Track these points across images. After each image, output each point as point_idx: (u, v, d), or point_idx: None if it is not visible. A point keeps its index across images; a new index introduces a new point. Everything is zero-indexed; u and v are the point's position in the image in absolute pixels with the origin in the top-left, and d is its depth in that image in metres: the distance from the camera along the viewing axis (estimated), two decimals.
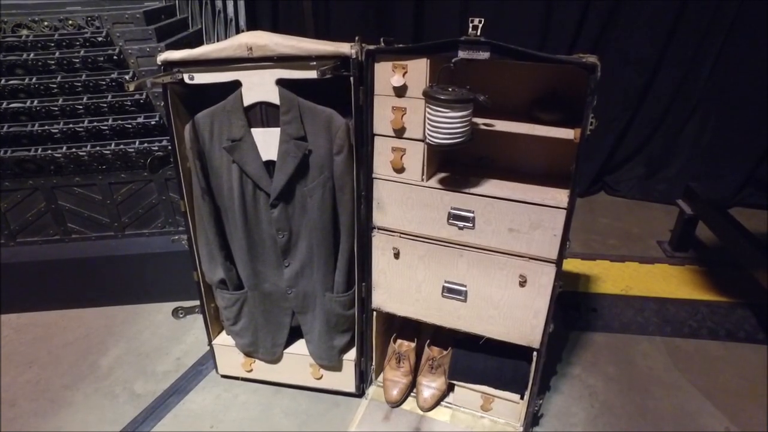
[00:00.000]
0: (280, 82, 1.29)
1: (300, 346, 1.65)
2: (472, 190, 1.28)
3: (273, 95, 1.30)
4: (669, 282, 2.24)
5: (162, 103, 1.55)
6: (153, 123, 1.85)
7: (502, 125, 1.22)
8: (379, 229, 1.42)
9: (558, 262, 1.26)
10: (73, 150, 1.83)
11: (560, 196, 1.24)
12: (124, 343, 1.93)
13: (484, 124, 1.23)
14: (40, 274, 2.03)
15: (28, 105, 1.80)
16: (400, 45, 1.22)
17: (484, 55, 1.12)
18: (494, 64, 1.22)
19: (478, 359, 1.53)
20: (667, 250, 2.49)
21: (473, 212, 1.29)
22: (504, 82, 1.34)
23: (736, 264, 2.30)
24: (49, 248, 2.04)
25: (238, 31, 2.60)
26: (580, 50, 2.74)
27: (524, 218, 1.24)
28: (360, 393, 1.66)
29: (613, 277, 2.27)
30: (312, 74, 1.24)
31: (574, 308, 2.07)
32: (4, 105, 1.79)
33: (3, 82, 1.78)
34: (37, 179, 1.91)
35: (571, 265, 2.35)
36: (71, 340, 1.95)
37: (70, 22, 1.84)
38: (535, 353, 1.39)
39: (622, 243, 2.58)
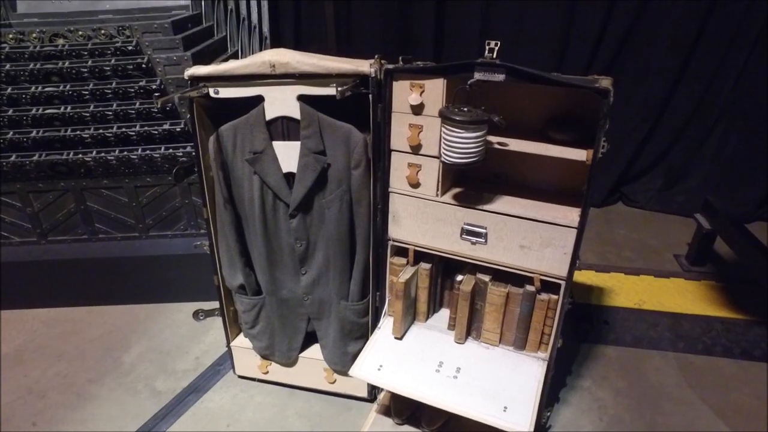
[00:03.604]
0: (301, 98, 1.33)
1: (315, 351, 1.70)
2: (485, 207, 1.31)
3: (294, 110, 1.35)
4: (684, 297, 2.23)
5: (187, 111, 1.61)
6: (178, 130, 1.92)
7: (516, 144, 1.25)
8: (394, 241, 1.46)
9: (568, 280, 1.28)
10: (103, 154, 1.91)
11: (572, 215, 1.26)
12: (146, 341, 2.00)
13: (499, 143, 1.26)
14: (69, 271, 2.12)
15: (62, 111, 1.88)
16: (419, 64, 1.25)
17: (500, 77, 1.14)
18: (510, 83, 1.24)
19: None
20: (683, 264, 2.46)
21: (486, 228, 1.31)
22: (519, 102, 1.36)
23: (753, 281, 2.27)
24: (78, 247, 2.13)
25: (261, 38, 2.67)
26: (600, 62, 2.73)
27: (535, 236, 1.27)
28: (372, 398, 1.70)
29: (627, 290, 2.27)
30: (332, 91, 1.28)
31: (586, 320, 2.07)
32: (40, 111, 1.88)
33: (40, 89, 1.87)
34: (68, 181, 2.00)
35: (584, 276, 2.35)
36: (96, 336, 2.03)
37: (103, 31, 1.92)
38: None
39: (638, 255, 2.56)
